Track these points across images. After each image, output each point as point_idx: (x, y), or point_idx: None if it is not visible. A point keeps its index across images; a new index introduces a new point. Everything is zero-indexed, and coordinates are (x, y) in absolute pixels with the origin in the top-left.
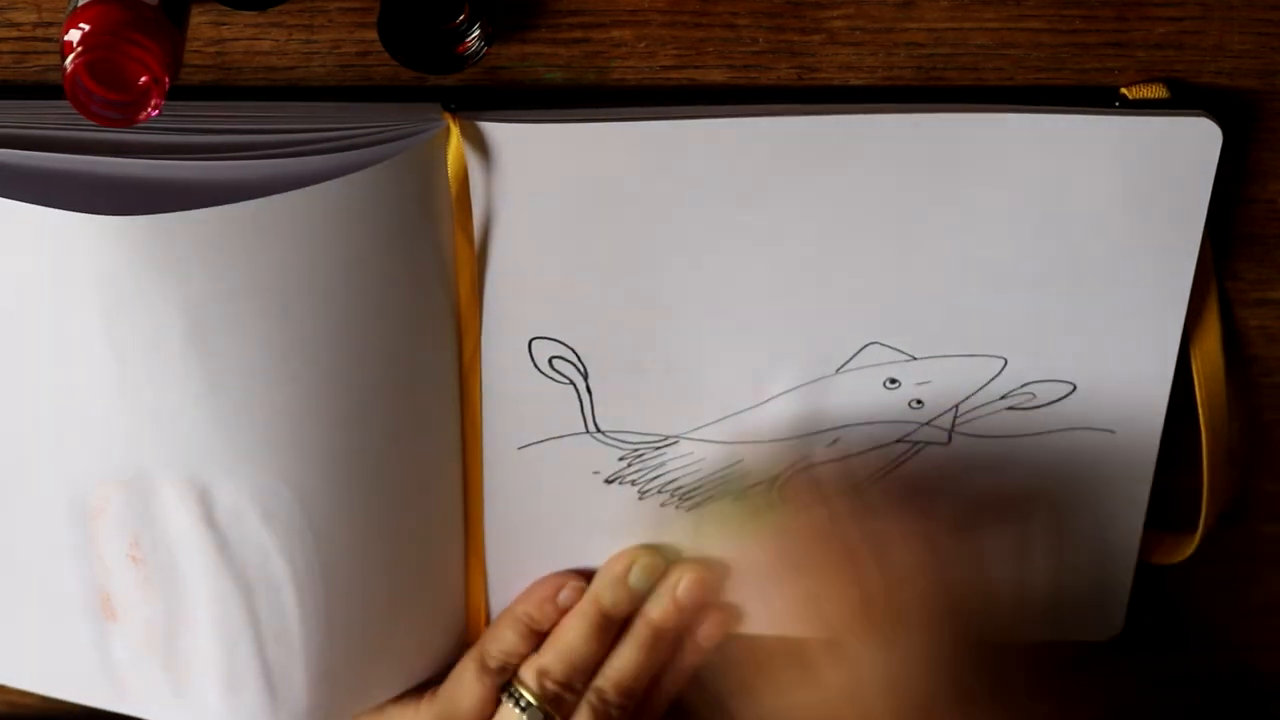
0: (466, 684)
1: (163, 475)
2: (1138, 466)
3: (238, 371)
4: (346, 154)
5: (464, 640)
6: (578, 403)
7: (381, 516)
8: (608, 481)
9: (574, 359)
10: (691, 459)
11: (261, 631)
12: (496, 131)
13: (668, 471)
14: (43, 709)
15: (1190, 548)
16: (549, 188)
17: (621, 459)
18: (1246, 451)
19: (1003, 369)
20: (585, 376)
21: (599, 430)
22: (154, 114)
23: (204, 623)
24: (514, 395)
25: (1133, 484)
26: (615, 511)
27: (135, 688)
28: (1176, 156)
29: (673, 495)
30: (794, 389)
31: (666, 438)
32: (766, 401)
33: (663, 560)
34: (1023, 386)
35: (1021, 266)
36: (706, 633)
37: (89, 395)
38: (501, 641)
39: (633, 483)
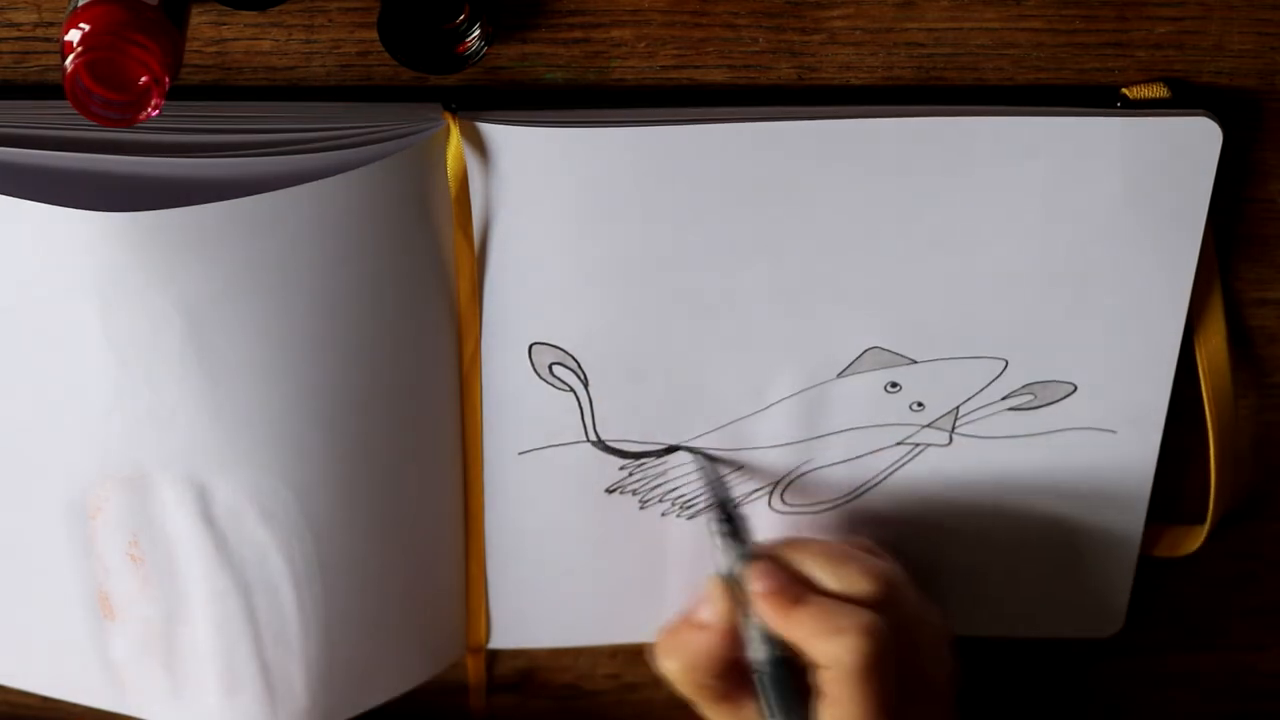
0: None
1: (161, 474)
2: (1138, 465)
3: (236, 369)
4: (346, 152)
5: (464, 641)
6: (578, 410)
7: (381, 517)
8: (608, 491)
9: (574, 366)
10: (693, 468)
11: (260, 631)
12: (496, 133)
13: (669, 481)
14: (43, 709)
15: (1198, 541)
16: (549, 191)
17: (622, 468)
18: (1246, 451)
19: (1003, 370)
20: (585, 384)
21: (599, 440)
22: (154, 114)
23: (203, 622)
24: (514, 400)
25: (1133, 482)
26: (616, 522)
27: (134, 687)
28: (1177, 156)
29: (674, 504)
30: (795, 394)
31: (668, 447)
32: (767, 408)
33: None
34: (1023, 387)
35: (1022, 267)
36: None
37: (87, 393)
38: None
39: (634, 492)
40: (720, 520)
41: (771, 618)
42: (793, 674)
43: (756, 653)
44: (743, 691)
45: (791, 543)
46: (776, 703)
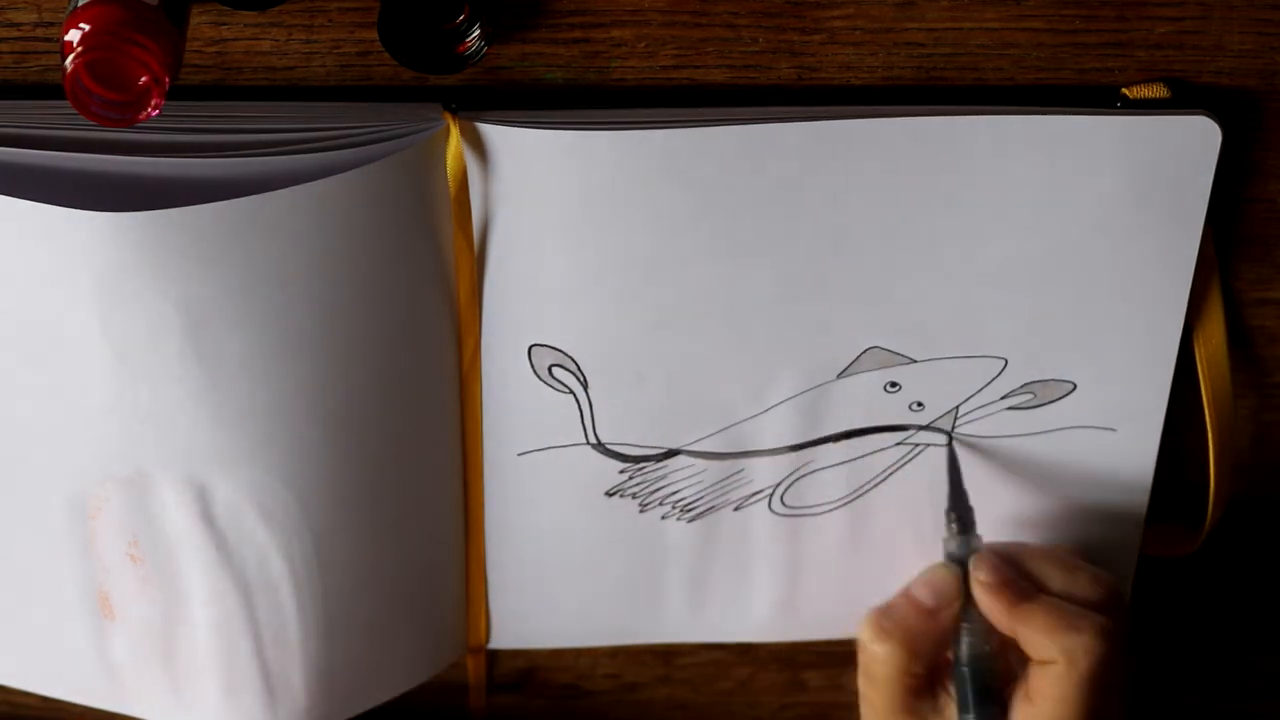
0: None
1: (161, 474)
2: (1138, 465)
3: (236, 369)
4: (345, 152)
5: (464, 641)
6: (578, 413)
7: (380, 516)
8: (608, 494)
9: (574, 368)
10: (693, 471)
11: (260, 631)
12: (496, 134)
13: (669, 484)
14: (43, 709)
15: (1197, 541)
16: (549, 192)
17: (622, 471)
18: (1246, 451)
19: (1003, 369)
20: (585, 386)
21: (599, 442)
22: (154, 114)
23: (202, 622)
24: (514, 401)
25: (1133, 482)
26: (616, 524)
27: (134, 687)
28: (1176, 156)
29: (674, 507)
30: (795, 396)
31: (668, 450)
32: (768, 410)
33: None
34: (1023, 386)
35: (1022, 266)
36: None
37: (87, 393)
38: None
39: (634, 495)
40: (955, 512)
41: (999, 610)
42: (996, 691)
43: (971, 648)
44: (933, 690)
45: (1020, 545)
46: (981, 700)
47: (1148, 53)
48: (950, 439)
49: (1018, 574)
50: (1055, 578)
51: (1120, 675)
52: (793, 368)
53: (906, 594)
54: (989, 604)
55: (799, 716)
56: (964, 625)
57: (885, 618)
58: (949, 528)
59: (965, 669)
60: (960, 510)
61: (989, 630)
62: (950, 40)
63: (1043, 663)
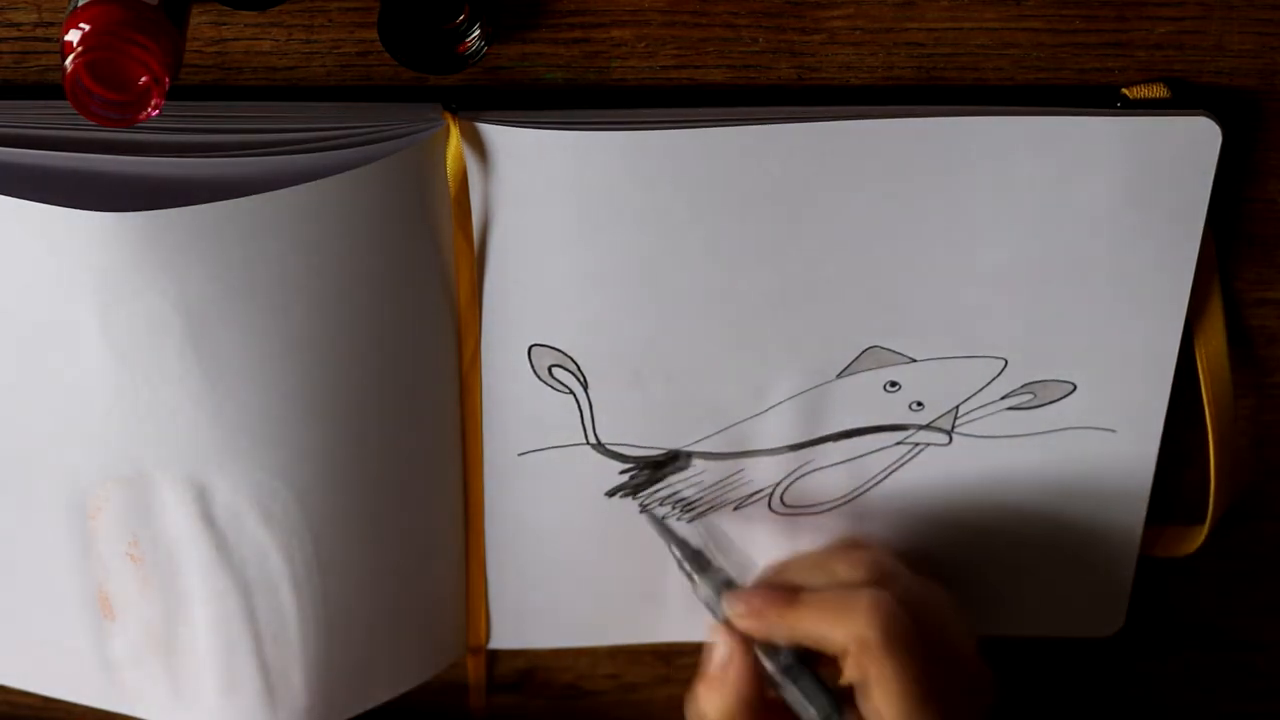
0: None
1: (161, 474)
2: (1138, 465)
3: (236, 369)
4: (345, 152)
5: (464, 641)
6: (578, 413)
7: (380, 516)
8: (608, 495)
9: (574, 368)
10: (693, 472)
11: (260, 631)
12: (496, 134)
13: (669, 485)
14: (43, 709)
15: (1197, 541)
16: (549, 192)
17: (622, 472)
18: (1246, 451)
19: (1003, 369)
20: (585, 386)
21: (599, 442)
22: (154, 114)
23: (202, 622)
24: (514, 401)
25: (1133, 482)
26: (616, 525)
27: (133, 687)
28: (1177, 156)
29: (674, 507)
30: (795, 396)
31: (667, 451)
32: (767, 410)
33: None
34: (1023, 386)
35: (1022, 266)
36: None
37: (87, 393)
38: None
39: (633, 496)
40: (686, 559)
41: (777, 626)
42: (823, 684)
43: (780, 668)
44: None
45: (773, 567)
46: (817, 700)
47: (1148, 53)
48: (643, 509)
49: (772, 591)
50: (814, 577)
51: (942, 631)
52: (793, 368)
53: (703, 673)
54: (756, 629)
55: None
56: (764, 655)
57: (703, 696)
58: (689, 579)
59: (786, 693)
60: (690, 556)
61: (786, 648)
62: (950, 40)
63: (841, 654)
